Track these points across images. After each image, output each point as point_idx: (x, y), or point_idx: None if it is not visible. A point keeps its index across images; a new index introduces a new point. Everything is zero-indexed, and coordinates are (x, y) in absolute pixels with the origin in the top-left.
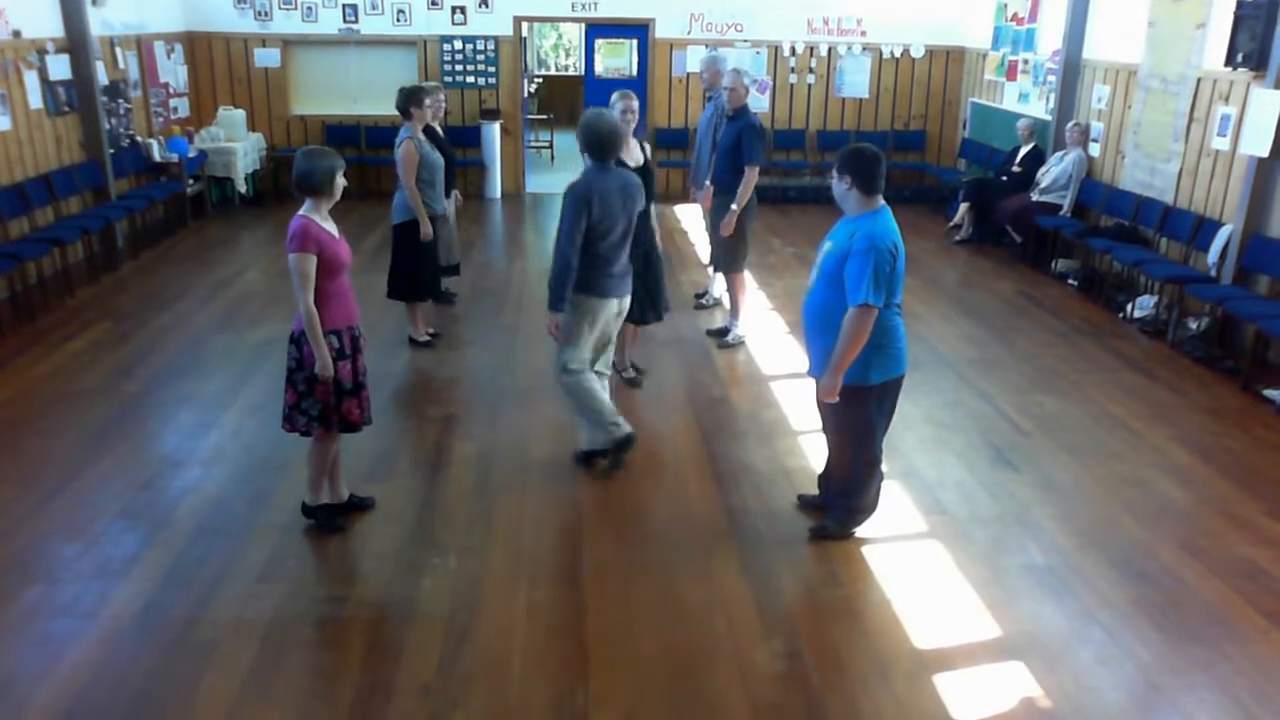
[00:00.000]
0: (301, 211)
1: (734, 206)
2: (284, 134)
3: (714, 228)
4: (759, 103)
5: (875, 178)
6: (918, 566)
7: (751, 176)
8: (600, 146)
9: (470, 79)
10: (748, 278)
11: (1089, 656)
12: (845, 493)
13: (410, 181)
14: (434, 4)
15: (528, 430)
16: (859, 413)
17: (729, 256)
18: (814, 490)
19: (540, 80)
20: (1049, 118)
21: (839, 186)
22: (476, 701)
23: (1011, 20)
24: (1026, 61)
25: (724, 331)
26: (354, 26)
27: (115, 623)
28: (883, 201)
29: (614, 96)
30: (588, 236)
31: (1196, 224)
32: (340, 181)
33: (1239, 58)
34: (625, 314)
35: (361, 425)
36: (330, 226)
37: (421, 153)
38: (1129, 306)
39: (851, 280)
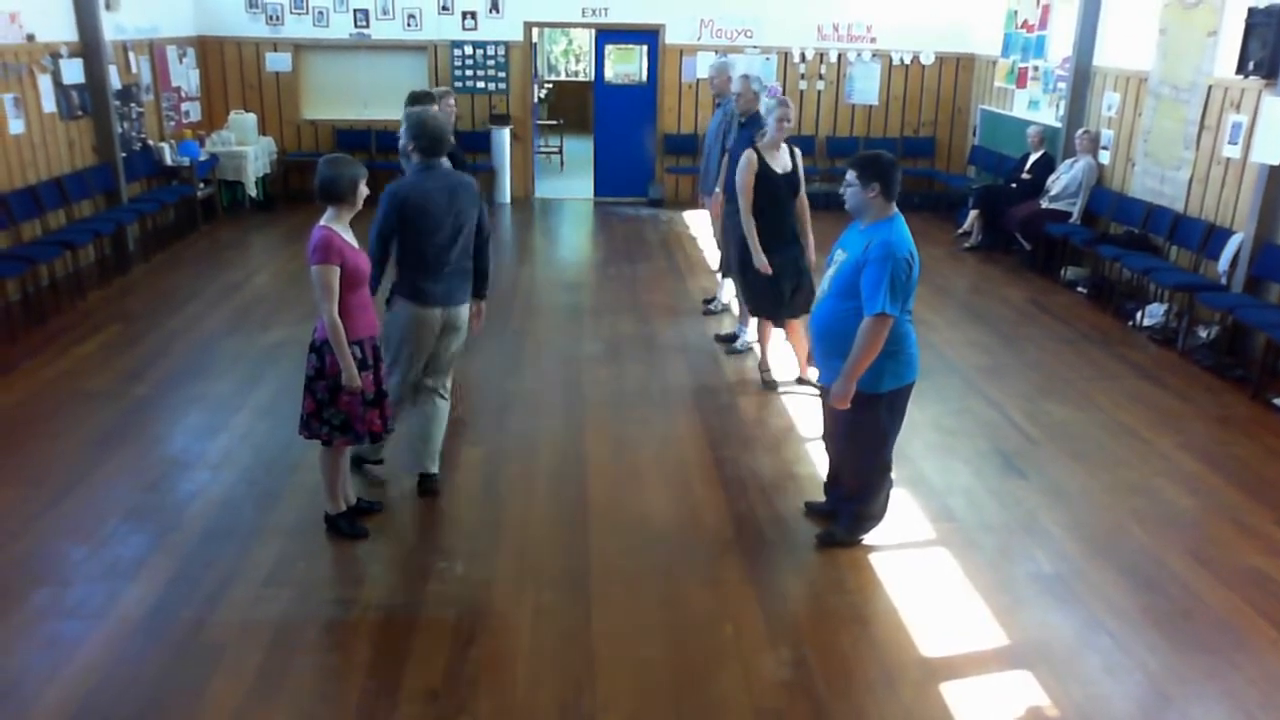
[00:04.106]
0: (323, 221)
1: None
2: (295, 138)
3: (725, 234)
4: None
5: (897, 184)
6: (925, 574)
7: None
8: (429, 143)
9: (480, 84)
10: None
11: (1097, 665)
12: (855, 499)
13: None
14: (445, 9)
15: (535, 435)
16: (870, 419)
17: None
18: (821, 497)
19: (550, 86)
20: (1059, 125)
21: (861, 194)
22: (483, 706)
23: (1022, 27)
24: (1036, 68)
25: (732, 337)
26: (365, 31)
27: (123, 624)
28: (896, 209)
29: (772, 103)
30: (407, 238)
31: (1207, 232)
32: (363, 190)
33: (1250, 65)
34: (463, 329)
35: (384, 435)
36: (350, 237)
37: None
38: (1138, 314)
39: (868, 289)
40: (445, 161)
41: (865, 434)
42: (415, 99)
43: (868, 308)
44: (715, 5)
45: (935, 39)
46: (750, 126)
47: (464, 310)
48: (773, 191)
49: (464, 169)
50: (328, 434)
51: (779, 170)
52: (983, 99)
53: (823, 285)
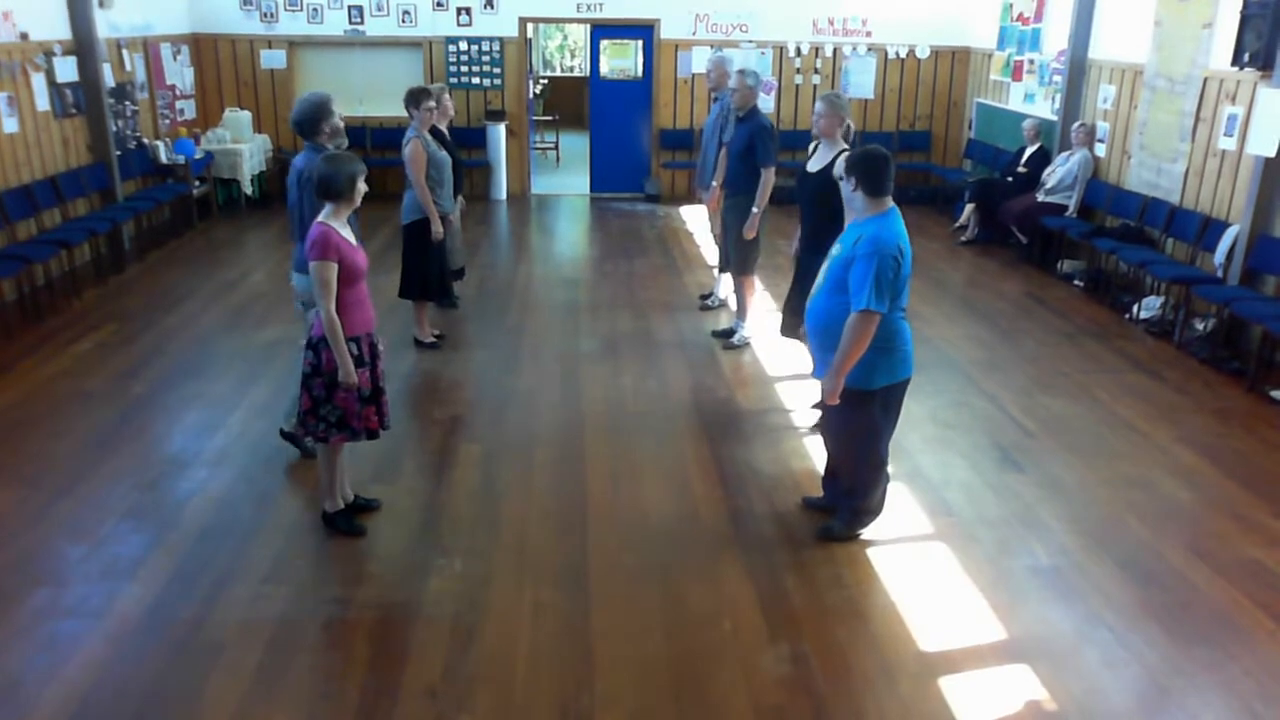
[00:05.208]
0: (320, 217)
1: (755, 209)
2: (290, 135)
3: (724, 229)
4: (764, 103)
5: (882, 179)
6: (923, 568)
7: (768, 179)
8: (296, 127)
9: (476, 80)
10: (755, 279)
11: (1095, 659)
12: (850, 495)
13: (420, 180)
14: (439, 5)
15: (533, 432)
16: (862, 416)
17: (741, 259)
18: (819, 492)
19: (545, 81)
20: (1055, 118)
21: (845, 189)
22: (482, 703)
23: (1017, 20)
24: (1032, 62)
25: (729, 333)
26: (359, 28)
27: (122, 624)
28: (892, 204)
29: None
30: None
31: (1203, 224)
32: (361, 187)
33: (1246, 57)
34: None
35: (380, 432)
36: (348, 233)
37: (429, 151)
38: (1135, 307)
39: (854, 285)
40: (340, 142)
41: (858, 430)
42: (413, 96)
43: (853, 304)
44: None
45: (930, 32)
46: (748, 121)
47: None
48: (800, 186)
49: (459, 167)
50: (324, 431)
51: (809, 168)
52: (978, 92)
53: (818, 280)
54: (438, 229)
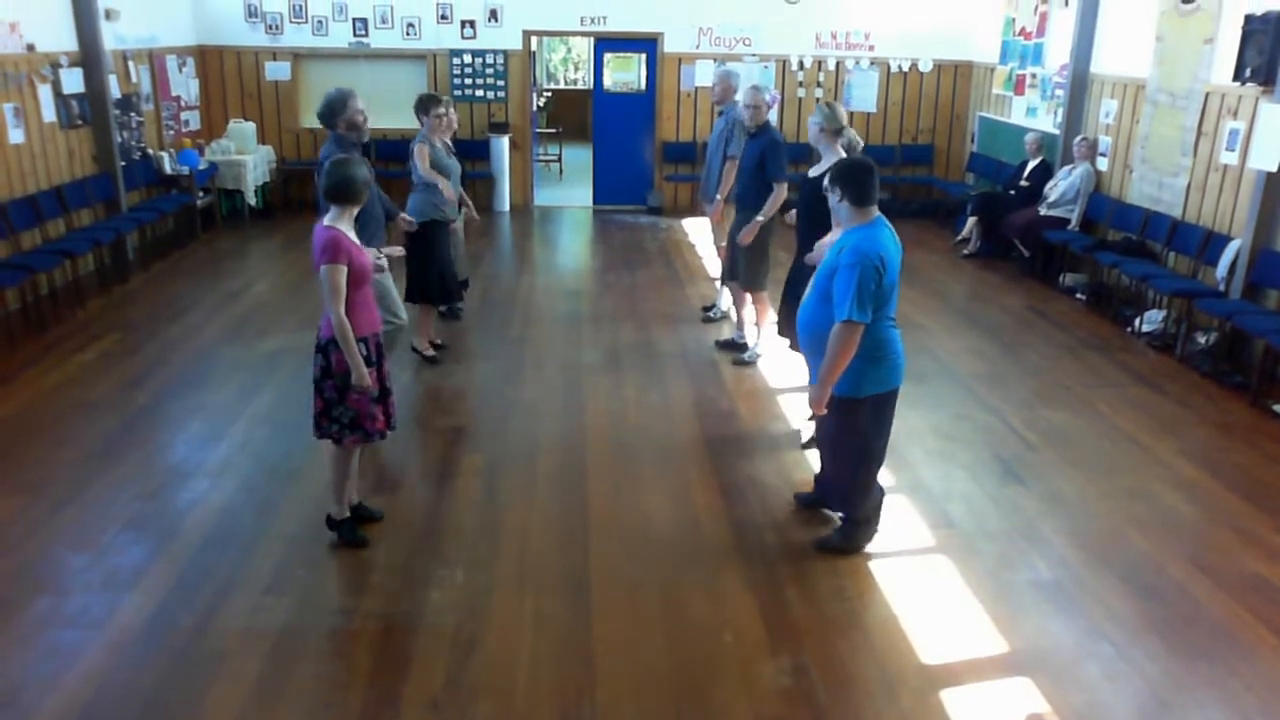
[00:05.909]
0: (327, 221)
1: (759, 217)
2: (294, 147)
3: (731, 242)
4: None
5: (866, 189)
6: (925, 581)
7: (780, 193)
8: (321, 115)
9: (480, 93)
10: (765, 295)
11: (1097, 672)
12: (844, 505)
13: (426, 167)
14: (444, 18)
15: (535, 442)
16: (851, 425)
17: (751, 273)
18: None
19: (549, 94)
20: (1057, 132)
21: (831, 199)
22: (483, 713)
23: (1019, 35)
24: (1034, 76)
25: (732, 344)
26: (364, 40)
27: (123, 633)
28: (878, 214)
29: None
30: None
31: (1205, 238)
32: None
33: (1247, 72)
34: None
35: (387, 432)
36: (354, 236)
37: (435, 156)
38: (1137, 321)
39: (837, 296)
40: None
41: (848, 439)
42: (423, 102)
43: (836, 314)
44: (714, 13)
45: (933, 46)
46: (760, 136)
47: None
48: (800, 191)
49: (465, 177)
50: (338, 432)
51: (809, 174)
52: (981, 106)
53: (807, 289)
54: (450, 192)
